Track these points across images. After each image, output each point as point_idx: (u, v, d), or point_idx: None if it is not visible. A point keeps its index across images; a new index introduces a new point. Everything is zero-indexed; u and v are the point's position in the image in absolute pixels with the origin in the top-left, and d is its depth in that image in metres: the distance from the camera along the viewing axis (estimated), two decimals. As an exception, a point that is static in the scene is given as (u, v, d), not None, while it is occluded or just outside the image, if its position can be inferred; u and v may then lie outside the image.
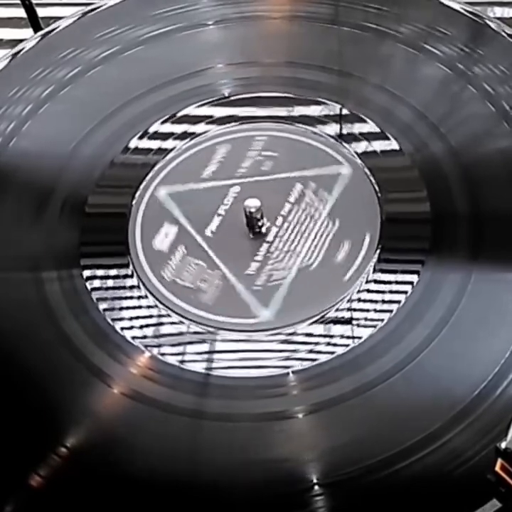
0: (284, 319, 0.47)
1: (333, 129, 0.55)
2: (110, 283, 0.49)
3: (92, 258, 0.50)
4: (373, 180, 0.52)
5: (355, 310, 0.47)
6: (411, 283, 0.47)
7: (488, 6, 0.68)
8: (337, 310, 0.47)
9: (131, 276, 0.49)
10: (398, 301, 0.46)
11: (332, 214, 0.51)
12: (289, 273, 0.48)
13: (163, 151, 0.55)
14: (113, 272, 0.50)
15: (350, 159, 0.53)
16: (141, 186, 0.53)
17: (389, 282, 0.48)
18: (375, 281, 0.48)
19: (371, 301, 0.47)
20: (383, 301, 0.47)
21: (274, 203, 0.51)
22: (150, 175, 0.54)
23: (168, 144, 0.55)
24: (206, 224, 0.51)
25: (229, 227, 0.51)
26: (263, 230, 0.50)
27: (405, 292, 0.47)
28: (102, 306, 0.48)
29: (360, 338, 0.45)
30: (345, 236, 0.50)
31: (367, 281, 0.48)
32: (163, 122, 0.56)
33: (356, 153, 0.53)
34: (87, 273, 0.49)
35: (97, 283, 0.49)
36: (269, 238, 0.50)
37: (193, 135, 0.56)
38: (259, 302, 0.48)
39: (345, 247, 0.49)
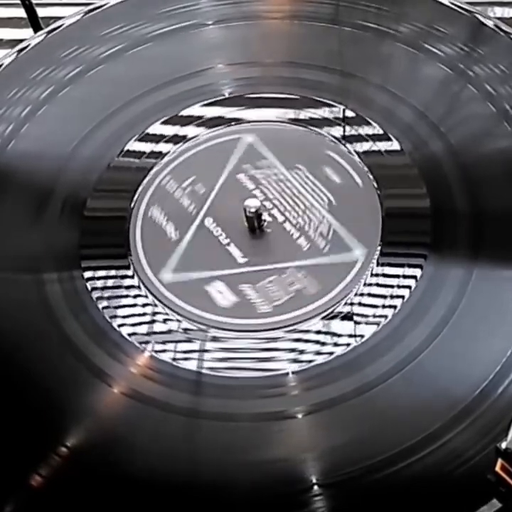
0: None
1: (333, 128, 0.55)
2: (110, 283, 0.49)
3: (92, 259, 0.50)
4: (374, 180, 0.52)
5: (356, 309, 0.47)
6: (410, 286, 0.47)
7: (488, 6, 0.68)
8: (337, 309, 0.47)
9: (132, 276, 0.49)
10: (397, 302, 0.46)
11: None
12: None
13: (162, 152, 0.55)
14: (113, 273, 0.50)
15: (351, 158, 0.53)
16: (141, 186, 0.53)
17: (389, 283, 0.48)
18: (375, 282, 0.48)
19: (370, 304, 0.47)
20: (382, 306, 0.47)
21: (275, 202, 0.51)
22: (150, 175, 0.54)
23: (169, 144, 0.55)
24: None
25: (229, 226, 0.51)
26: (263, 229, 0.50)
27: (403, 296, 0.47)
28: (102, 306, 0.48)
29: (360, 337, 0.45)
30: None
31: (365, 284, 0.48)
32: (163, 123, 0.56)
33: (357, 152, 0.53)
34: (87, 274, 0.49)
35: (97, 283, 0.49)
36: (270, 237, 0.50)
37: (193, 135, 0.56)
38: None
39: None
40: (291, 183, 0.52)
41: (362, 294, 0.47)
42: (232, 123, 0.56)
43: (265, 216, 0.50)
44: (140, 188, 0.53)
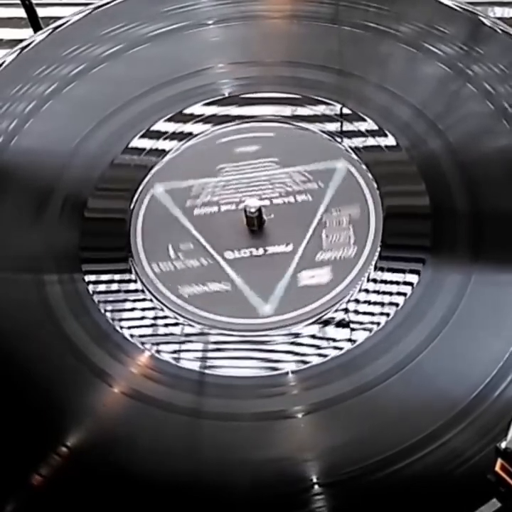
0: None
1: (333, 127, 0.55)
2: (110, 282, 0.49)
3: (93, 259, 0.50)
4: (373, 180, 0.52)
5: (355, 310, 0.47)
6: (406, 291, 0.47)
7: (488, 6, 0.68)
8: (337, 310, 0.47)
9: (132, 276, 0.49)
10: (397, 303, 0.46)
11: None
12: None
13: (163, 151, 0.55)
14: (113, 272, 0.50)
15: (351, 158, 0.53)
16: (142, 185, 0.53)
17: (390, 282, 0.48)
18: (375, 281, 0.48)
19: (371, 301, 0.47)
20: (383, 303, 0.47)
21: (274, 201, 0.51)
22: (150, 174, 0.54)
23: (169, 143, 0.55)
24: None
25: (229, 225, 0.51)
26: (262, 228, 0.50)
27: (405, 294, 0.47)
28: (102, 305, 0.48)
29: (360, 338, 0.45)
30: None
31: (365, 283, 0.48)
32: (163, 122, 0.56)
33: (356, 151, 0.53)
34: (87, 274, 0.49)
35: (97, 282, 0.49)
36: (268, 237, 0.50)
37: (193, 135, 0.56)
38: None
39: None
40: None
41: (361, 296, 0.47)
42: (233, 122, 0.56)
43: (265, 217, 0.50)
44: (141, 187, 0.53)
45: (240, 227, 0.51)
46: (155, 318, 0.48)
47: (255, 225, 0.50)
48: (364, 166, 0.53)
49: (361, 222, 0.50)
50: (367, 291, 0.47)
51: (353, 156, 0.53)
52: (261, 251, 0.50)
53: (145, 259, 0.50)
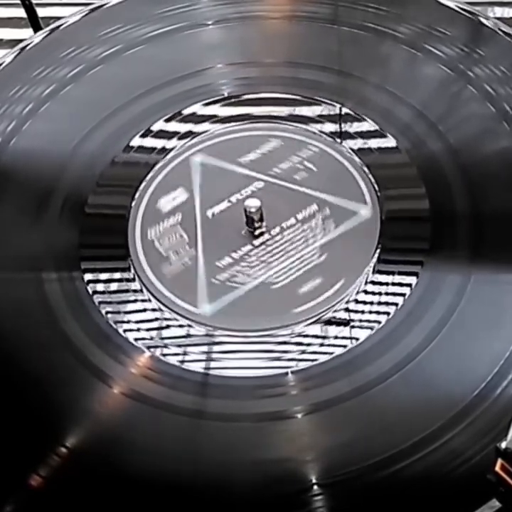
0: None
1: (333, 128, 0.55)
2: (110, 283, 0.49)
3: (92, 258, 0.50)
4: (373, 180, 0.52)
5: (354, 310, 0.47)
6: (405, 292, 0.47)
7: (488, 6, 0.68)
8: (337, 310, 0.47)
9: (132, 276, 0.49)
10: (397, 303, 0.46)
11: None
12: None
13: (163, 151, 0.55)
14: (113, 272, 0.50)
15: (350, 159, 0.53)
16: (142, 186, 0.53)
17: (389, 283, 0.48)
18: (374, 283, 0.48)
19: (370, 302, 0.47)
20: (383, 303, 0.47)
21: (274, 201, 0.51)
22: (150, 175, 0.54)
23: (169, 143, 0.55)
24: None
25: (227, 223, 0.51)
26: (262, 227, 0.50)
27: (403, 294, 0.47)
28: (102, 306, 0.48)
29: (360, 337, 0.45)
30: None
31: (366, 282, 0.48)
32: (163, 122, 0.56)
33: (356, 152, 0.53)
34: (87, 273, 0.49)
35: (96, 283, 0.49)
36: (269, 238, 0.50)
37: (193, 135, 0.56)
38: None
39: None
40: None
41: (361, 296, 0.47)
42: (232, 122, 0.56)
43: (265, 217, 0.50)
44: (141, 187, 0.53)
45: (239, 225, 0.51)
46: (155, 318, 0.48)
47: (255, 225, 0.50)
48: (364, 167, 0.53)
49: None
50: (366, 292, 0.47)
51: (353, 156, 0.53)
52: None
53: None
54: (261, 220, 0.50)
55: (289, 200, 0.52)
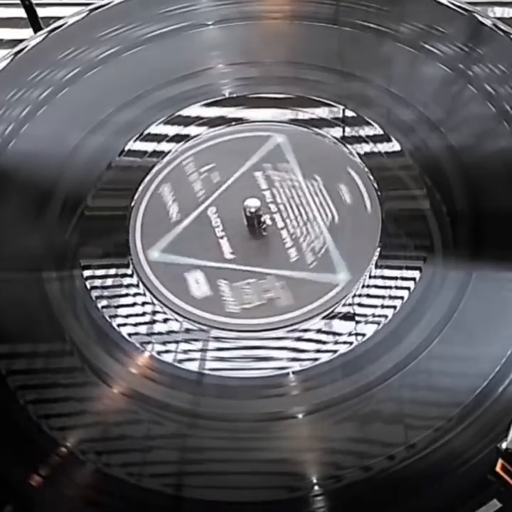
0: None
1: (333, 128, 0.55)
2: (110, 283, 0.49)
3: (92, 259, 0.50)
4: (374, 179, 0.52)
5: (355, 310, 0.47)
6: (408, 288, 0.47)
7: (488, 6, 0.68)
8: (337, 311, 0.47)
9: (131, 276, 0.49)
10: (397, 303, 0.46)
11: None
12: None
13: (163, 152, 0.55)
14: (113, 272, 0.50)
15: (351, 159, 0.53)
16: (141, 186, 0.53)
17: (389, 286, 0.48)
18: (375, 286, 0.48)
19: (371, 301, 0.47)
20: (383, 303, 0.47)
21: (275, 202, 0.51)
22: (150, 175, 0.54)
23: (169, 144, 0.55)
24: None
25: (229, 226, 0.51)
26: (263, 228, 0.50)
27: (402, 297, 0.47)
28: (102, 305, 0.48)
29: (360, 337, 0.45)
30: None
31: (366, 284, 0.48)
32: (163, 122, 0.56)
33: (357, 152, 0.53)
34: (87, 273, 0.49)
35: (96, 283, 0.49)
36: (270, 237, 0.50)
37: (193, 135, 0.56)
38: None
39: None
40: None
41: (361, 295, 0.47)
42: (232, 123, 0.56)
43: (265, 217, 0.50)
44: (140, 188, 0.53)
45: (240, 227, 0.51)
46: (155, 318, 0.48)
47: (255, 226, 0.50)
48: (365, 167, 0.53)
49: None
50: (367, 291, 0.47)
51: (354, 156, 0.53)
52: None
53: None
54: (261, 219, 0.50)
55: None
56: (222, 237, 0.50)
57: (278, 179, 0.53)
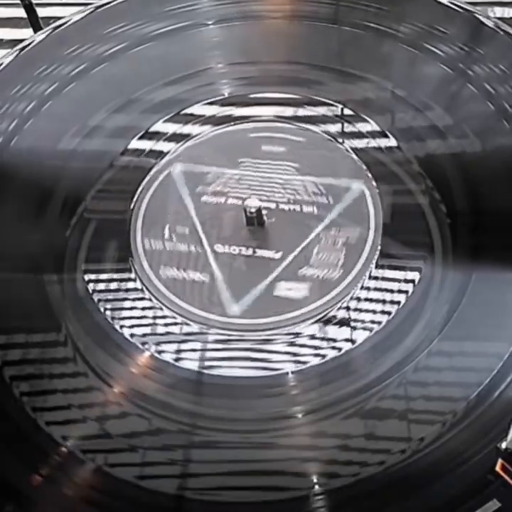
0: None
1: (333, 128, 0.55)
2: (111, 284, 0.49)
3: (93, 258, 0.50)
4: (374, 180, 0.52)
5: (355, 310, 0.47)
6: (407, 290, 0.47)
7: (488, 6, 0.68)
8: (337, 311, 0.47)
9: (132, 276, 0.49)
10: (398, 302, 0.46)
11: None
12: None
13: (163, 151, 0.55)
14: (114, 272, 0.50)
15: (351, 158, 0.53)
16: (142, 186, 0.53)
17: (389, 286, 0.48)
18: (375, 283, 0.48)
19: (371, 301, 0.47)
20: (383, 302, 0.47)
21: (274, 201, 0.51)
22: (150, 175, 0.54)
23: (169, 143, 0.55)
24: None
25: (229, 226, 0.51)
26: (263, 228, 0.50)
27: (403, 296, 0.47)
28: (102, 306, 0.48)
29: (359, 338, 0.45)
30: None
31: (365, 283, 0.48)
32: (164, 122, 0.56)
33: (356, 152, 0.53)
34: (87, 273, 0.49)
35: (97, 284, 0.49)
36: (269, 236, 0.50)
37: (194, 135, 0.56)
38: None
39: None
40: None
41: (361, 295, 0.47)
42: (233, 122, 0.56)
43: (265, 216, 0.50)
44: (141, 187, 0.53)
45: (240, 226, 0.51)
46: (155, 318, 0.48)
47: (255, 225, 0.50)
48: (365, 167, 0.53)
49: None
50: (366, 293, 0.47)
51: (354, 155, 0.53)
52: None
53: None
54: (261, 220, 0.50)
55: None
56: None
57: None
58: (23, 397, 0.45)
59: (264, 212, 0.50)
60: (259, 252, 0.50)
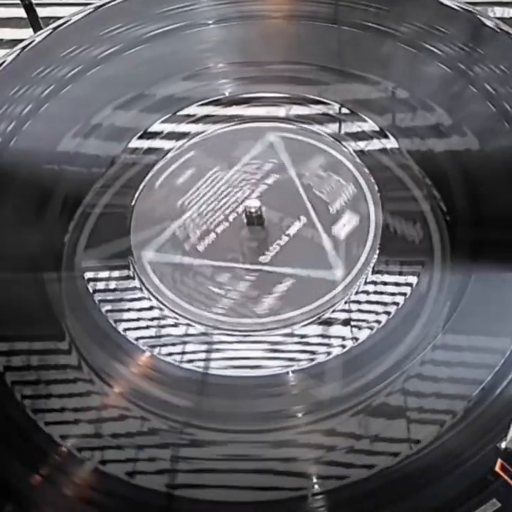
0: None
1: (332, 128, 0.55)
2: (111, 283, 0.49)
3: (93, 258, 0.50)
4: (373, 180, 0.52)
5: (355, 310, 0.47)
6: (408, 288, 0.47)
7: (488, 6, 0.68)
8: (337, 310, 0.47)
9: (132, 277, 0.49)
10: (397, 303, 0.46)
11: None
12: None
13: (163, 151, 0.55)
14: (114, 271, 0.50)
15: (351, 159, 0.53)
16: (141, 186, 0.53)
17: (389, 283, 0.48)
18: (375, 283, 0.48)
19: (371, 301, 0.47)
20: (383, 302, 0.47)
21: (274, 202, 0.51)
22: (150, 174, 0.54)
23: (169, 143, 0.55)
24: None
25: (229, 225, 0.51)
26: (262, 228, 0.50)
27: (404, 294, 0.47)
28: (102, 305, 0.48)
29: (360, 337, 0.45)
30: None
31: (365, 283, 0.48)
32: (163, 122, 0.56)
33: (356, 152, 0.53)
34: (88, 273, 0.49)
35: (97, 283, 0.49)
36: (268, 237, 0.50)
37: (193, 135, 0.56)
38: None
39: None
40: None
41: (361, 295, 0.47)
42: (232, 122, 0.56)
43: (264, 217, 0.50)
44: (141, 187, 0.53)
45: (240, 226, 0.51)
46: (155, 318, 0.48)
47: (255, 225, 0.50)
48: (364, 167, 0.53)
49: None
50: (366, 293, 0.47)
51: (354, 156, 0.53)
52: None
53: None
54: (261, 220, 0.50)
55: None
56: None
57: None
58: (23, 399, 0.45)
59: (263, 212, 0.50)
60: (260, 252, 0.50)
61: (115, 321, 0.47)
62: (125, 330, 0.47)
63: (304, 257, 0.49)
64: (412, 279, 0.47)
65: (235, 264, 0.49)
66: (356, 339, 0.45)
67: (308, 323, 0.46)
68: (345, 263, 0.48)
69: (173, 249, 0.50)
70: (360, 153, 0.53)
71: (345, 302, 0.47)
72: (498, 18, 0.58)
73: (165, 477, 0.42)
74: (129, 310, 0.48)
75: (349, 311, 0.47)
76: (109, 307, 0.48)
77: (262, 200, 0.50)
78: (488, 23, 0.57)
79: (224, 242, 0.50)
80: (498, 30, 0.57)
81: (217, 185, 0.53)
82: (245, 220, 0.50)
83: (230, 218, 0.51)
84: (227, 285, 0.48)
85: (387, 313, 0.46)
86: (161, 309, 0.48)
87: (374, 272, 0.48)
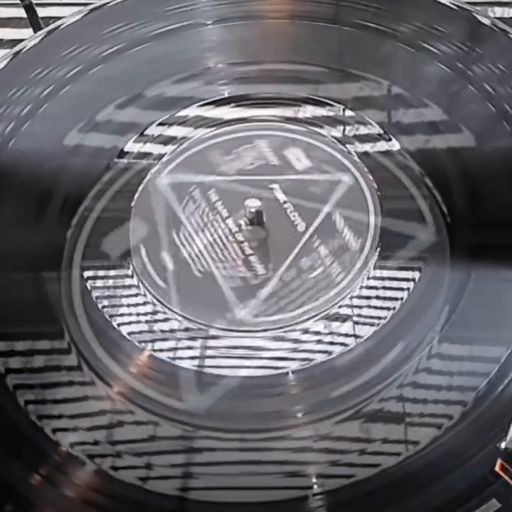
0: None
1: (333, 128, 0.55)
2: (110, 283, 0.49)
3: (92, 258, 0.50)
4: (374, 179, 0.52)
5: (355, 310, 0.47)
6: (408, 288, 0.47)
7: (488, 6, 0.68)
8: (337, 309, 0.47)
9: (131, 276, 0.49)
10: (394, 307, 0.46)
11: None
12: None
13: (162, 151, 0.55)
14: (113, 272, 0.50)
15: (351, 158, 0.53)
16: (141, 186, 0.53)
17: (388, 286, 0.48)
18: (374, 286, 0.48)
19: (370, 302, 0.47)
20: (381, 307, 0.47)
21: (274, 202, 0.51)
22: (150, 175, 0.54)
23: (168, 144, 0.55)
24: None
25: (229, 225, 0.51)
26: (263, 228, 0.50)
27: (402, 298, 0.47)
28: (102, 305, 0.48)
29: (360, 337, 0.45)
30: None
31: (366, 284, 0.48)
32: (163, 122, 0.56)
33: (357, 152, 0.53)
34: (87, 273, 0.49)
35: (96, 283, 0.49)
36: (269, 236, 0.50)
37: (192, 135, 0.56)
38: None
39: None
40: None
41: (361, 295, 0.47)
42: (232, 122, 0.56)
43: (265, 217, 0.50)
44: (141, 187, 0.53)
45: (240, 225, 0.51)
46: (154, 317, 0.48)
47: (255, 225, 0.50)
48: (365, 168, 0.53)
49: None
50: (366, 292, 0.47)
51: (354, 156, 0.53)
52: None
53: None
54: (261, 220, 0.50)
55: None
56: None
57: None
58: (25, 403, 0.45)
59: (263, 212, 0.50)
60: (260, 252, 0.50)
61: (114, 320, 0.47)
62: (126, 331, 0.47)
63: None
64: (411, 281, 0.47)
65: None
66: (356, 340, 0.45)
67: (308, 324, 0.46)
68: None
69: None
70: (360, 152, 0.53)
71: (345, 303, 0.47)
72: (498, 18, 0.58)
73: (164, 478, 0.42)
74: (127, 309, 0.48)
75: (348, 311, 0.47)
76: (108, 307, 0.48)
77: (262, 200, 0.50)
78: (488, 22, 0.57)
79: (223, 240, 0.50)
80: (498, 30, 0.57)
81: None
82: (246, 220, 0.50)
83: (230, 218, 0.51)
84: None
85: (384, 316, 0.46)
86: (160, 309, 0.48)
87: (373, 273, 0.48)
